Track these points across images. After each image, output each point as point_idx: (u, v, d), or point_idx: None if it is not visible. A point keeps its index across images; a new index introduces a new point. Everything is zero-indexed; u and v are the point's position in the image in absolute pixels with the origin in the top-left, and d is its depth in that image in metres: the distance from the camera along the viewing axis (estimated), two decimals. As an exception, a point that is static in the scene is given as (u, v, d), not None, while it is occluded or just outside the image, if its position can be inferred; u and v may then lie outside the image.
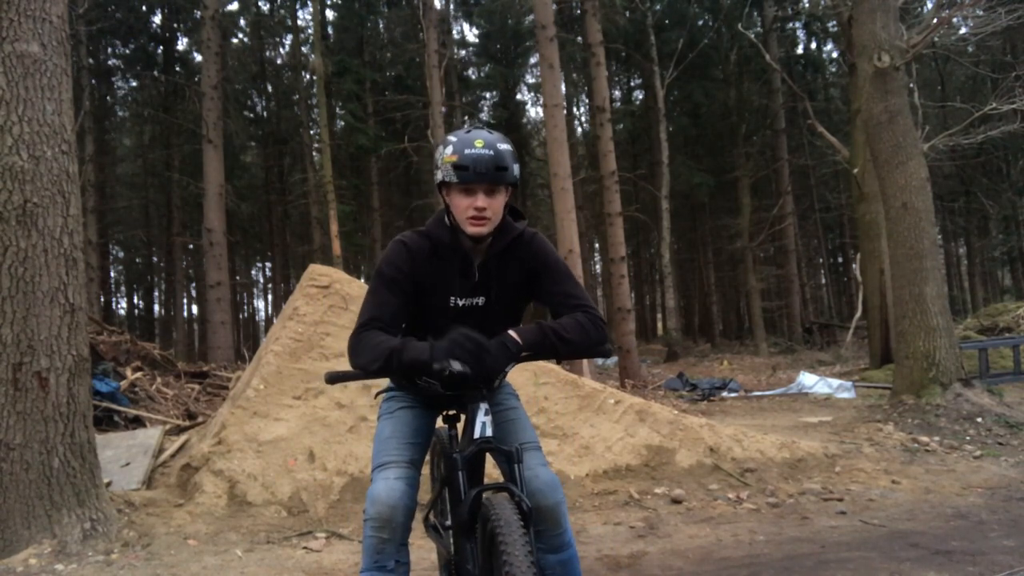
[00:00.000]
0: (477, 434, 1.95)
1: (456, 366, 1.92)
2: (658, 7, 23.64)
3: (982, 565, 3.44)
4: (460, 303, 2.20)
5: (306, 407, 5.04)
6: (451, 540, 2.20)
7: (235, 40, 26.96)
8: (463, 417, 2.18)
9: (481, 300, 2.20)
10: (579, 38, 22.24)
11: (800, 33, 27.27)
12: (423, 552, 3.49)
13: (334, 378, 2.04)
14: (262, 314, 40.27)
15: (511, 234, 2.20)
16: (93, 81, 21.46)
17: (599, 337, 2.10)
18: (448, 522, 2.37)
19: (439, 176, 2.09)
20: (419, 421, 2.26)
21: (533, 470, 2.08)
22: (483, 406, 1.98)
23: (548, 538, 2.09)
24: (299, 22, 25.63)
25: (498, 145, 2.03)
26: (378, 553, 2.09)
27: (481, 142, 2.02)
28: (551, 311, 2.19)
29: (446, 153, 2.06)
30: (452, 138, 2.08)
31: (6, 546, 3.69)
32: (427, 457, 2.37)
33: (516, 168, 2.07)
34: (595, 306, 2.15)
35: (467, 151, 2.02)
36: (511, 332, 2.02)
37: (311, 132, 23.27)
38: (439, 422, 2.31)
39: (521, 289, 2.25)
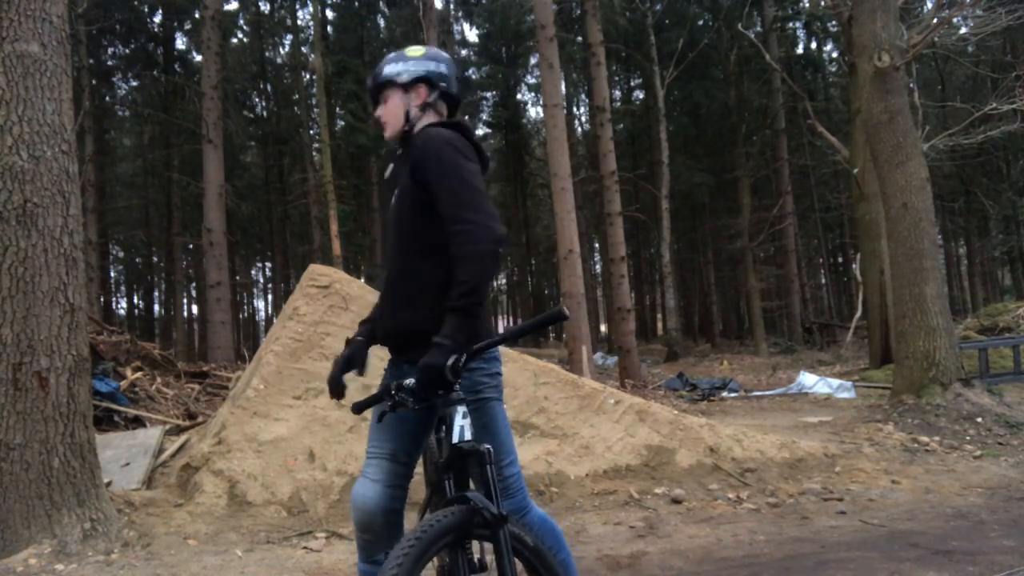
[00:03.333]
0: (456, 438, 1.92)
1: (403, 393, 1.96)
2: (658, 7, 23.64)
3: (982, 565, 3.44)
4: (388, 206, 2.24)
5: (306, 407, 5.04)
6: None
7: (235, 40, 26.97)
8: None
9: (396, 192, 2.20)
10: (579, 38, 22.26)
11: (800, 33, 27.30)
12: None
13: (360, 407, 2.10)
14: (262, 314, 40.32)
15: (407, 127, 2.24)
16: (93, 81, 21.44)
17: (484, 251, 1.91)
18: None
19: None
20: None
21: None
22: (460, 409, 1.94)
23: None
24: (299, 22, 25.65)
25: (381, 65, 2.29)
26: (366, 550, 2.15)
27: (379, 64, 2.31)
28: None
29: None
30: None
31: (6, 546, 3.69)
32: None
33: (391, 67, 2.25)
34: (473, 217, 1.94)
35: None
36: (437, 340, 1.90)
37: (311, 132, 23.28)
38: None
39: (412, 178, 2.12)
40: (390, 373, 2.24)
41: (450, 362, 1.85)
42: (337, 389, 2.23)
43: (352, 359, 2.26)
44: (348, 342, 2.30)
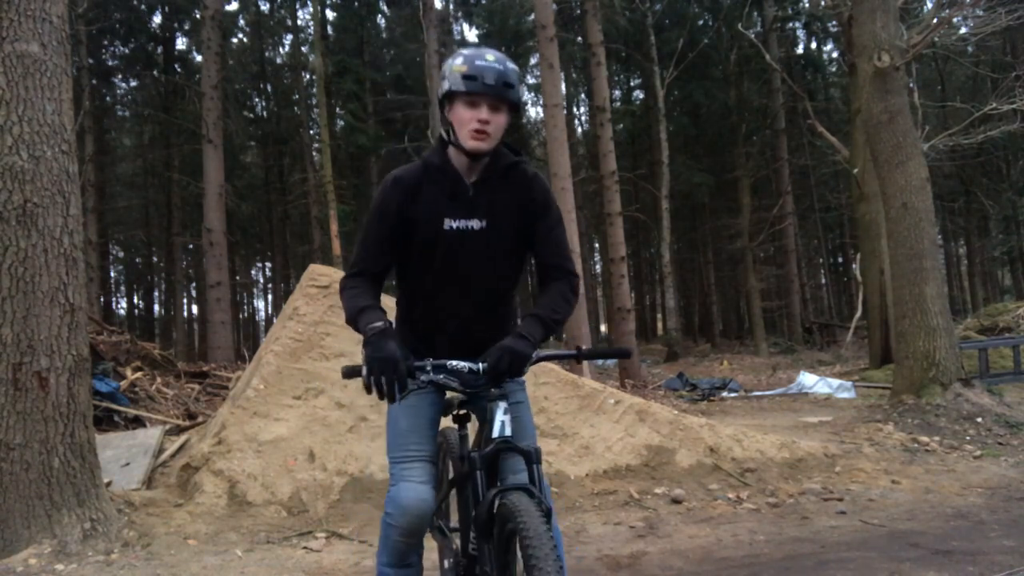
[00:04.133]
0: (496, 433, 1.91)
1: (448, 375, 1.97)
2: (658, 7, 23.63)
3: (982, 565, 3.44)
4: (454, 225, 2.10)
5: (306, 407, 5.04)
6: (458, 541, 2.20)
7: (235, 40, 26.98)
8: (471, 416, 2.19)
9: (479, 223, 2.11)
10: (579, 38, 22.25)
11: (800, 33, 27.29)
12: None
13: (350, 372, 1.98)
14: (262, 314, 40.30)
15: (507, 159, 2.16)
16: (93, 81, 21.44)
17: (575, 300, 2.18)
18: (453, 523, 2.37)
19: (446, 86, 2.04)
20: (432, 410, 2.20)
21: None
22: (503, 404, 1.95)
23: None
24: (299, 22, 25.65)
25: (507, 63, 2.03)
26: (402, 553, 2.13)
27: (492, 56, 2.03)
28: (536, 265, 2.22)
29: (455, 63, 2.03)
30: (464, 51, 2.07)
31: (6, 546, 3.69)
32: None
33: (520, 91, 2.09)
34: (575, 267, 2.22)
35: (478, 62, 2.00)
36: (522, 332, 1.99)
37: (311, 132, 23.28)
38: (444, 420, 2.29)
39: (520, 220, 2.16)
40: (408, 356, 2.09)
41: (534, 354, 1.98)
42: (405, 385, 1.93)
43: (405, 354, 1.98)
44: (386, 331, 1.95)
